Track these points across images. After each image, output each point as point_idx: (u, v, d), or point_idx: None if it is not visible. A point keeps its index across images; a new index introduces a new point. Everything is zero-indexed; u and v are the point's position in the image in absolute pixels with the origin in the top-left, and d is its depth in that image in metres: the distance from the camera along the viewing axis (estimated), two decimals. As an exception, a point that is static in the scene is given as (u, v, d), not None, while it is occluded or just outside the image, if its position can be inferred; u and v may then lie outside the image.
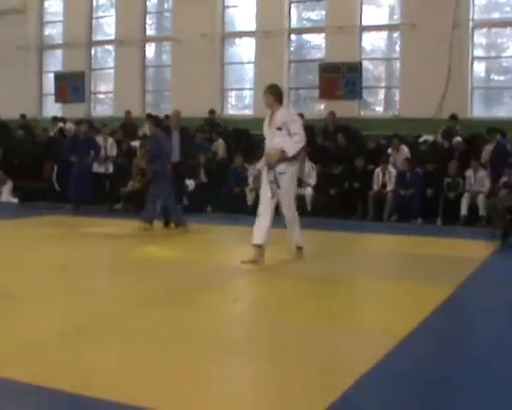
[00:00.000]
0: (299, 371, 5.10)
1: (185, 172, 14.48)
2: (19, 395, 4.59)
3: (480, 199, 15.03)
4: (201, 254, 10.82)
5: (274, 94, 10.00)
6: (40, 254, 10.70)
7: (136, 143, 18.82)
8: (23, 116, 23.01)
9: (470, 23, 18.16)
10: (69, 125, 21.23)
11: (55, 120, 22.18)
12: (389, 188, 16.07)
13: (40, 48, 25.09)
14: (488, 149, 15.82)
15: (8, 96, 24.00)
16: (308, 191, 16.32)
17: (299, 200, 16.45)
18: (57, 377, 4.77)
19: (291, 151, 9.66)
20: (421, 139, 17.44)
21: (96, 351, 5.50)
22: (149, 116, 19.19)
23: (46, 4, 25.16)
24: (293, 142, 9.70)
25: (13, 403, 4.49)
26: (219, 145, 18.66)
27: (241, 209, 16.42)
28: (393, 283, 8.82)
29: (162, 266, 9.77)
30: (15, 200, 19.23)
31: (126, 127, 20.56)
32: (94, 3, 24.21)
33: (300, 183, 14.07)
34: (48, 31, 25.38)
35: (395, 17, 19.64)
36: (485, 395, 4.73)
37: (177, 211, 13.54)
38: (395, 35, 19.70)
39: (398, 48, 19.62)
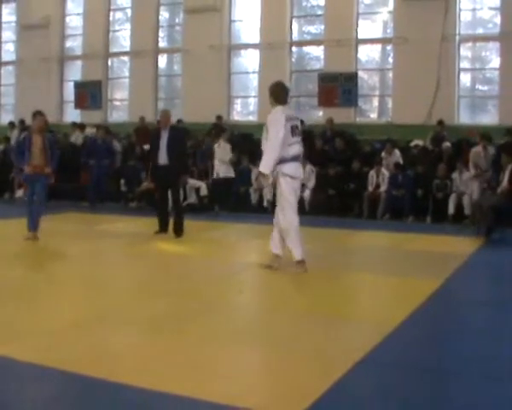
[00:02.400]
0: (295, 358, 5.11)
1: (177, 174, 12.32)
2: (41, 379, 4.64)
3: (466, 199, 15.05)
4: (210, 250, 10.86)
5: (270, 93, 9.12)
6: (58, 250, 10.83)
7: (148, 147, 18.84)
8: (45, 122, 22.96)
9: (457, 37, 18.16)
10: (89, 131, 21.24)
11: (75, 125, 22.24)
12: (382, 188, 16.08)
13: (61, 59, 25.07)
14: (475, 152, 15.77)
15: (32, 103, 23.97)
16: (306, 193, 16.32)
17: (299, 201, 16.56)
18: (76, 362, 4.84)
19: (261, 168, 8.65)
20: (412, 144, 17.42)
21: (115, 338, 5.58)
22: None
23: (67, 19, 25.13)
24: (265, 152, 8.65)
25: (35, 386, 4.53)
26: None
27: (246, 208, 16.47)
28: (385, 276, 8.84)
29: (175, 261, 9.88)
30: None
31: (140, 132, 20.57)
32: (111, 18, 24.16)
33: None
34: (68, 43, 25.34)
35: (388, 31, 19.63)
36: (472, 381, 4.78)
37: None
38: (388, 48, 19.69)
39: (391, 59, 19.58)
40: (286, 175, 8.60)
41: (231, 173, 16.91)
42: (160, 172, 12.01)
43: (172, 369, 4.81)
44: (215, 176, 16.87)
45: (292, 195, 8.68)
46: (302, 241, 8.71)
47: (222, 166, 16.68)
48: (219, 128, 19.17)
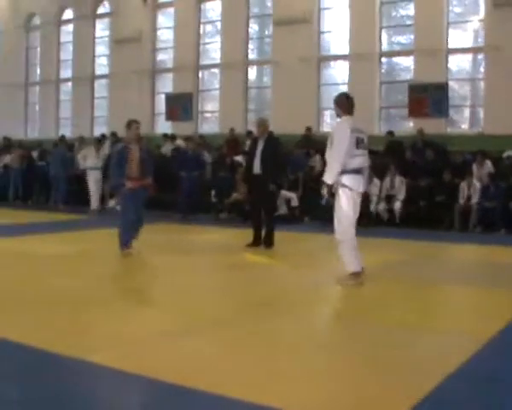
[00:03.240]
0: (385, 370, 5.14)
1: (270, 183, 12.04)
2: (131, 386, 4.85)
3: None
4: (300, 261, 10.86)
5: (336, 104, 9.03)
6: (150, 259, 11.12)
7: (239, 158, 19.22)
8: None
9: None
10: (179, 142, 21.72)
11: (166, 136, 22.79)
12: (474, 200, 15.93)
13: (153, 72, 25.84)
14: None
15: (125, 116, 24.61)
16: (397, 205, 16.41)
17: (389, 212, 16.64)
18: (164, 370, 4.98)
19: (325, 178, 8.61)
20: (505, 155, 17.22)
21: (202, 348, 5.71)
22: (250, 133, 19.60)
23: (159, 33, 25.92)
24: (328, 163, 8.64)
25: (126, 393, 4.73)
26: (316, 160, 18.81)
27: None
28: (477, 289, 8.77)
29: (262, 271, 10.01)
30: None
31: (230, 143, 20.94)
32: (201, 31, 24.75)
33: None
34: (160, 56, 26.10)
35: (479, 40, 19.50)
36: None
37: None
38: (480, 57, 19.61)
39: (482, 69, 19.50)
40: (345, 187, 8.46)
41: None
42: (254, 182, 12.03)
43: (257, 379, 4.89)
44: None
45: (349, 207, 8.55)
46: (358, 252, 8.65)
47: None
48: (308, 140, 19.42)
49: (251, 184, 12.39)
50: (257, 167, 11.92)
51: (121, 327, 6.38)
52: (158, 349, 5.66)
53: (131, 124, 11.11)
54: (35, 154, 24.03)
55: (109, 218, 18.19)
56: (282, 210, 17.34)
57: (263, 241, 12.13)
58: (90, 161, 20.46)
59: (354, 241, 8.62)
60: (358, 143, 8.56)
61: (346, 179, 8.46)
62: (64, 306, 7.20)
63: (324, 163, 9.43)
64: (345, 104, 8.94)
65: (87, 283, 8.65)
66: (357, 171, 8.56)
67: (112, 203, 20.06)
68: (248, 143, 20.01)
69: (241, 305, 7.51)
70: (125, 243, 10.92)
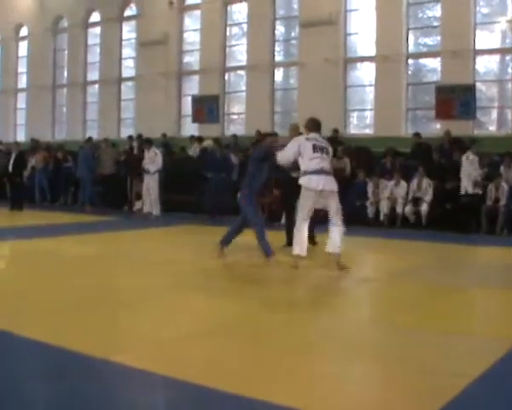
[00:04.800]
0: (411, 372, 5.15)
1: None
2: (158, 387, 4.87)
3: None
4: (328, 263, 10.90)
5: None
6: (177, 260, 11.21)
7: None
8: (164, 135, 23.85)
9: None
10: (207, 143, 21.87)
11: (192, 138, 22.96)
12: (502, 202, 15.88)
13: (179, 74, 26.03)
14: None
15: (151, 117, 24.99)
16: (424, 207, 16.43)
17: (416, 214, 16.64)
18: (190, 371, 5.04)
19: None
20: (533, 156, 17.18)
21: (228, 349, 5.78)
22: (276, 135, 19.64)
23: (185, 35, 26.12)
24: None
25: (149, 393, 4.73)
26: (346, 162, 18.83)
27: (362, 222, 16.65)
28: (503, 292, 8.79)
29: (286, 273, 10.01)
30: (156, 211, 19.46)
31: (257, 145, 20.98)
32: (227, 33, 24.91)
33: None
34: (186, 58, 26.29)
35: (507, 41, 19.46)
36: None
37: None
38: (507, 58, 19.58)
39: (510, 70, 19.50)
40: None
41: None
42: (290, 184, 12.01)
43: (280, 380, 4.95)
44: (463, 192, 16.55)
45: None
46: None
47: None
48: (336, 141, 19.48)
49: (285, 185, 12.67)
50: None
51: (147, 328, 6.49)
52: (184, 350, 5.73)
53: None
54: (60, 155, 24.26)
55: (137, 220, 18.46)
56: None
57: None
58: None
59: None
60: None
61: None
62: (91, 306, 7.34)
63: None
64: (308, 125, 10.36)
65: (112, 283, 8.81)
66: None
67: (137, 206, 20.24)
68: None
69: (267, 305, 7.58)
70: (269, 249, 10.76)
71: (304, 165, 9.87)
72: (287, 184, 12.49)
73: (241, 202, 10.87)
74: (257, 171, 10.73)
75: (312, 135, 10.11)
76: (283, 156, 10.14)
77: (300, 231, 9.98)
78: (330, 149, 10.21)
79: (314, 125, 10.32)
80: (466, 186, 16.17)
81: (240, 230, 11.17)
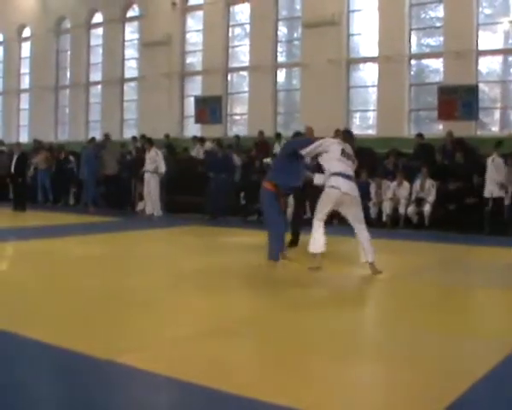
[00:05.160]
0: (415, 372, 5.16)
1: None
2: (161, 388, 4.88)
3: None
4: (329, 263, 10.67)
5: None
6: (182, 260, 11.27)
7: (268, 160, 19.33)
8: (167, 136, 23.89)
9: None
10: (207, 146, 21.94)
11: (195, 139, 23.02)
12: (506, 203, 15.86)
13: (182, 75, 26.05)
14: None
15: (154, 118, 25.04)
16: (426, 208, 16.45)
17: (419, 215, 16.66)
18: (195, 373, 5.04)
19: None
20: (536, 157, 17.17)
21: (233, 350, 5.79)
22: (279, 135, 19.80)
23: (187, 36, 26.12)
24: None
25: (155, 395, 4.73)
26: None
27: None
28: (507, 292, 8.79)
29: (292, 274, 10.05)
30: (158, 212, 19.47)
31: (260, 146, 21.06)
32: (230, 34, 24.93)
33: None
34: (189, 59, 26.28)
35: (510, 42, 19.48)
36: None
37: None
38: (510, 59, 19.59)
39: (513, 71, 19.53)
40: None
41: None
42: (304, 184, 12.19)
43: (287, 381, 4.94)
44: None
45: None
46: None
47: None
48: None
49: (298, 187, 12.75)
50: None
51: (151, 328, 6.51)
52: (187, 350, 5.75)
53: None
54: (61, 156, 24.31)
55: (139, 221, 18.49)
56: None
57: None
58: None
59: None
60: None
61: None
62: (95, 307, 7.39)
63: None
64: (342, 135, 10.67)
65: (116, 284, 8.84)
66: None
67: (140, 206, 20.25)
68: (278, 145, 20.31)
69: (271, 305, 7.61)
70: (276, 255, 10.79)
71: (330, 165, 9.89)
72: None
73: (262, 199, 10.88)
74: (289, 166, 10.70)
75: (343, 142, 10.14)
76: (310, 149, 10.15)
77: (317, 230, 9.94)
78: (355, 162, 10.19)
79: (347, 136, 10.44)
80: (492, 190, 15.97)
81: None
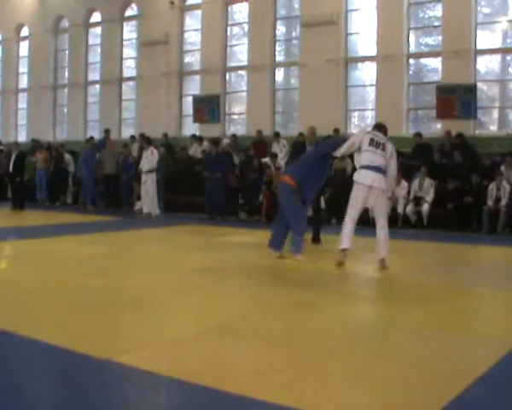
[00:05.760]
0: (414, 372, 5.18)
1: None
2: (160, 388, 4.89)
3: None
4: (327, 262, 10.69)
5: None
6: (182, 260, 11.25)
7: (266, 160, 19.37)
8: (165, 135, 23.89)
9: None
10: (205, 144, 21.92)
11: (194, 137, 23.02)
12: (503, 202, 15.88)
13: (180, 74, 26.03)
14: None
15: (153, 117, 25.04)
16: (425, 207, 16.45)
17: (417, 214, 16.68)
18: (195, 372, 5.02)
19: None
20: (534, 156, 17.18)
21: (233, 349, 5.81)
22: (278, 135, 19.79)
23: (186, 35, 26.12)
24: None
25: (154, 394, 4.74)
26: (347, 163, 18.80)
27: (364, 222, 16.61)
28: (505, 292, 8.78)
29: (291, 273, 10.03)
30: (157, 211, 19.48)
31: (258, 145, 21.06)
32: (228, 33, 24.92)
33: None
34: (187, 59, 26.30)
35: (508, 41, 19.48)
36: None
37: None
38: (508, 58, 19.59)
39: (511, 70, 19.51)
40: None
41: None
42: None
43: (290, 381, 4.92)
44: None
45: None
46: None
47: None
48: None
49: None
50: None
51: (151, 328, 6.49)
52: (187, 350, 5.74)
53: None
54: (57, 155, 24.30)
55: (137, 220, 18.49)
56: (309, 212, 17.41)
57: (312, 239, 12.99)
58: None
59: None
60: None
61: None
62: (94, 307, 7.38)
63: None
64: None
65: (116, 284, 8.83)
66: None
67: (138, 206, 20.23)
68: (276, 145, 20.34)
69: (273, 305, 7.59)
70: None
71: (360, 159, 9.93)
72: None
73: (282, 193, 10.92)
74: (318, 167, 10.77)
75: (373, 131, 10.17)
76: (345, 148, 10.19)
77: (346, 227, 9.92)
78: (389, 147, 9.97)
79: (377, 126, 10.42)
80: None
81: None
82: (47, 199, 23.58)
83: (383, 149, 9.83)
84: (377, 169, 9.71)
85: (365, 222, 10.89)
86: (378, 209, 9.89)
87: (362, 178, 9.72)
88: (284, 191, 10.80)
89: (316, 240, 13.09)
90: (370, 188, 9.67)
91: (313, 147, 12.71)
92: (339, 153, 10.29)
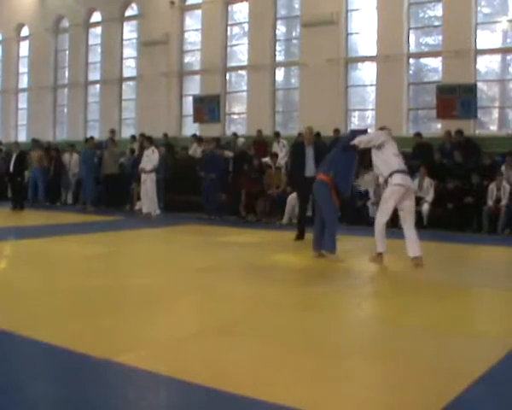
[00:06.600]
0: (414, 372, 5.17)
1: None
2: (160, 387, 4.90)
3: None
4: (325, 262, 10.83)
5: None
6: (182, 259, 11.27)
7: (267, 159, 19.39)
8: (165, 135, 23.90)
9: None
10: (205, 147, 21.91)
11: (194, 137, 23.02)
12: (503, 203, 15.87)
13: (180, 74, 26.02)
14: None
15: (153, 117, 25.05)
16: (425, 207, 16.43)
17: (417, 214, 16.66)
18: (194, 372, 5.02)
19: None
20: (535, 156, 17.17)
21: (233, 349, 5.80)
22: (278, 134, 19.77)
23: (186, 35, 26.11)
24: None
25: (153, 394, 4.74)
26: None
27: (363, 221, 16.64)
28: (506, 292, 8.78)
29: (291, 273, 10.08)
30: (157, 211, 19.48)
31: (258, 145, 21.05)
32: (228, 33, 24.91)
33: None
34: (187, 59, 26.28)
35: (508, 41, 19.47)
36: None
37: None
38: (508, 57, 19.58)
39: (511, 69, 19.50)
40: None
41: None
42: (308, 183, 12.38)
43: (288, 381, 4.93)
44: None
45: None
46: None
47: None
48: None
49: (302, 185, 13.28)
50: (310, 170, 13.07)
51: (151, 328, 6.52)
52: (187, 350, 5.74)
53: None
54: (55, 154, 24.30)
55: (138, 220, 18.49)
56: (309, 212, 17.40)
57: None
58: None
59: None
60: None
61: None
62: (95, 307, 7.39)
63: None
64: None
65: (117, 283, 8.84)
66: None
67: (138, 206, 20.22)
68: (276, 144, 20.34)
69: (274, 305, 7.59)
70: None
71: (389, 162, 10.23)
72: (301, 183, 13.31)
73: (318, 191, 11.08)
74: (345, 159, 10.97)
75: (391, 137, 10.65)
76: (363, 138, 10.58)
77: (381, 232, 10.30)
78: None
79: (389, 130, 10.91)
80: None
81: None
82: (44, 199, 23.47)
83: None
84: (407, 173, 10.42)
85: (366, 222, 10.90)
86: (409, 207, 10.32)
87: (400, 180, 10.12)
88: (320, 188, 11.03)
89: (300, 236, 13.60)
90: (407, 189, 10.19)
91: (313, 146, 13.37)
92: (357, 141, 10.54)
